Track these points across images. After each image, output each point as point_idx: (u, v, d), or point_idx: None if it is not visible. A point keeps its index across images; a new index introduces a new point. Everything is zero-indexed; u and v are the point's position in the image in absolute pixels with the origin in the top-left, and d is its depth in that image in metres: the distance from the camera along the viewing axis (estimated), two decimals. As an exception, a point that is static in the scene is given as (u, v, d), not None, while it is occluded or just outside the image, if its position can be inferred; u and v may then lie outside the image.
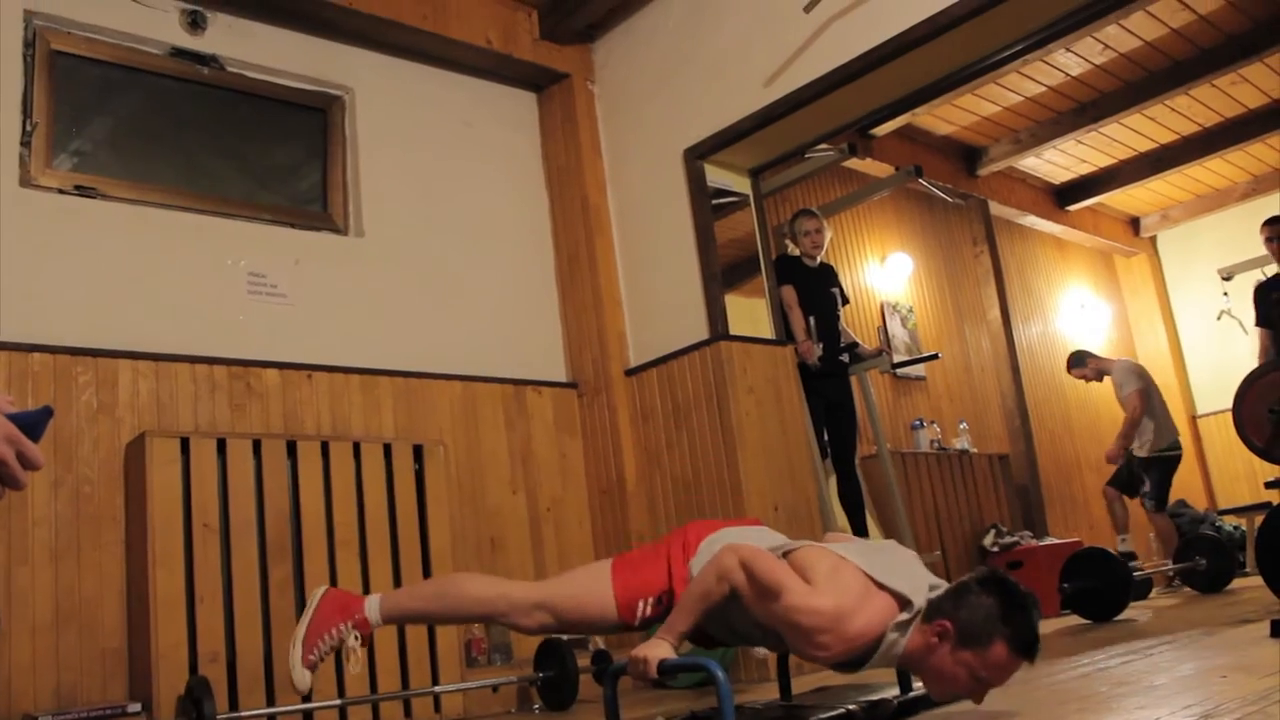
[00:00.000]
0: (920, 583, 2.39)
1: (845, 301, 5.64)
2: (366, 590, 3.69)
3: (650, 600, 2.64)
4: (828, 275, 5.61)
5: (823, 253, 5.60)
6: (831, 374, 5.35)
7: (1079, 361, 7.47)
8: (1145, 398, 6.98)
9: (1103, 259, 10.30)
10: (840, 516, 5.29)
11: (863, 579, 2.37)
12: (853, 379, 5.58)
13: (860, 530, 5.26)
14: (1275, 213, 6.57)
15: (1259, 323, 6.21)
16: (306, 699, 3.44)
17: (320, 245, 4.43)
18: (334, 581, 3.63)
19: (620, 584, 2.65)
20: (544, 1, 5.12)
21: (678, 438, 4.65)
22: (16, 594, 3.27)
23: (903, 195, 7.99)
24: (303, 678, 2.63)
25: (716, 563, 2.44)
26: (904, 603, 2.34)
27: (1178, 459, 7.09)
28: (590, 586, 2.68)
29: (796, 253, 5.59)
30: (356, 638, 2.69)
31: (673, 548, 2.70)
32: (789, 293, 5.21)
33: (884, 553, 2.55)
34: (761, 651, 3.93)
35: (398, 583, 3.79)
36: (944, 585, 2.39)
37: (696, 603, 2.46)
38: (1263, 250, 6.77)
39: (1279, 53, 6.86)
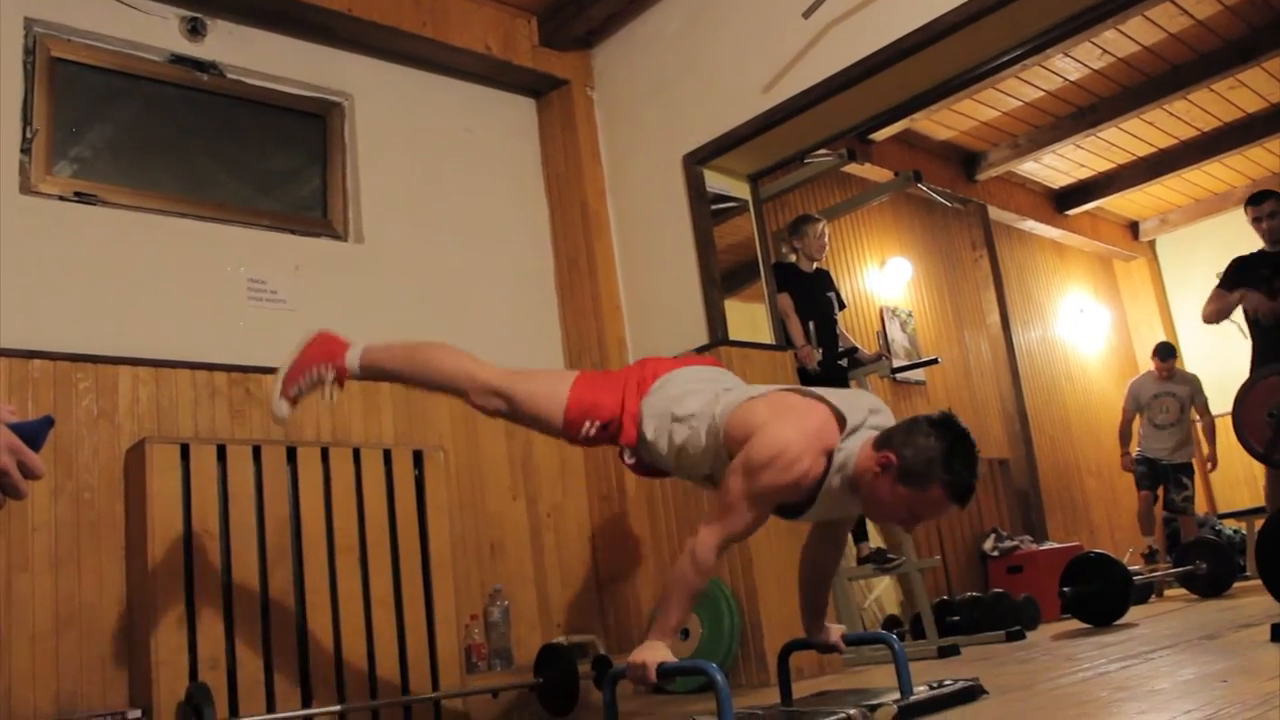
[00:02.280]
0: (860, 405, 2.55)
1: (842, 306, 5.66)
2: (368, 605, 3.69)
3: (597, 424, 2.76)
4: (824, 280, 5.63)
5: (823, 257, 5.63)
6: (831, 379, 5.35)
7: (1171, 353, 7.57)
8: None
9: (1102, 263, 10.31)
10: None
11: (800, 398, 2.55)
12: (852, 384, 5.59)
13: (860, 536, 5.25)
14: (1244, 205, 6.50)
15: (1223, 285, 6.07)
16: (306, 702, 3.44)
17: (320, 251, 4.43)
18: (334, 587, 3.63)
19: (575, 397, 2.77)
20: (543, 8, 5.13)
21: (677, 443, 4.64)
22: (16, 601, 3.26)
23: (902, 200, 8.00)
24: (281, 408, 2.90)
25: (693, 558, 2.51)
26: (841, 419, 2.48)
27: None
28: (549, 390, 2.81)
29: (793, 259, 5.60)
30: (334, 379, 2.92)
31: (629, 381, 2.81)
32: (785, 300, 5.22)
33: (829, 389, 2.69)
34: None
35: (398, 589, 3.79)
36: (885, 409, 2.59)
37: (685, 599, 2.52)
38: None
39: (1277, 57, 6.88)
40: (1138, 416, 7.57)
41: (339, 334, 3.04)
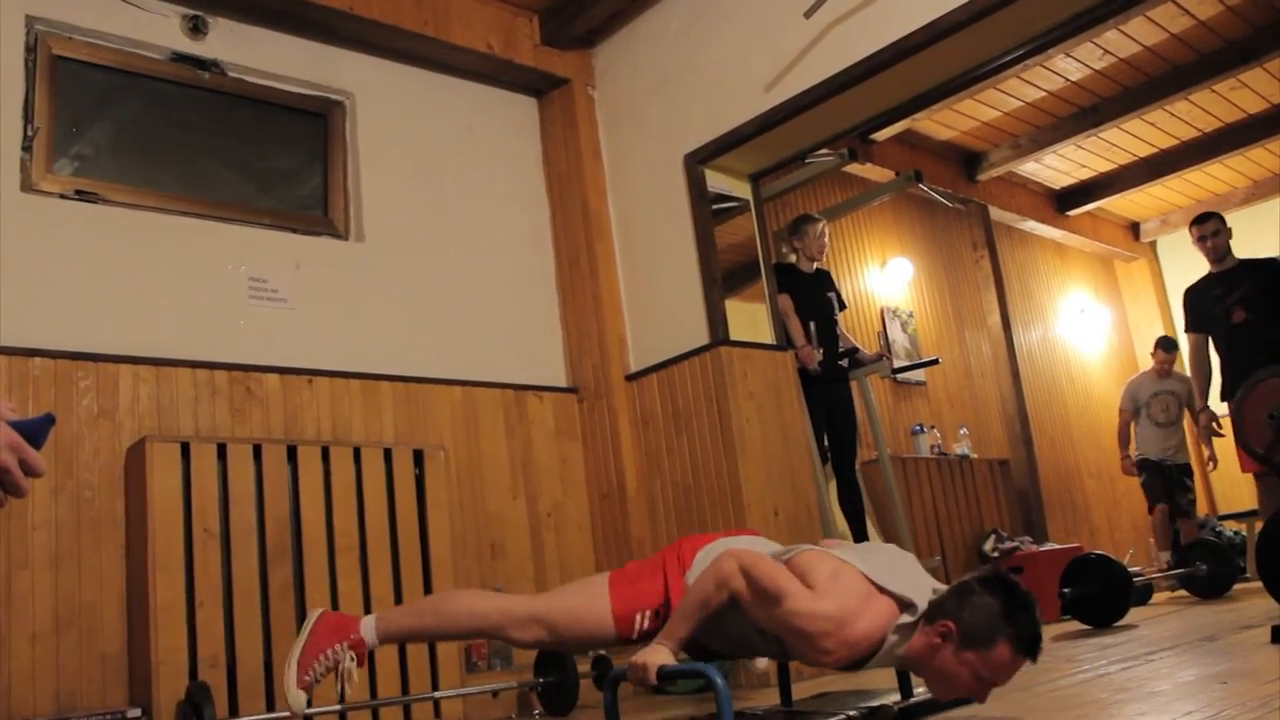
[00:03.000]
0: (922, 585, 2.40)
1: (843, 307, 5.66)
2: (367, 605, 3.69)
3: (648, 613, 2.64)
4: (824, 280, 5.63)
5: (823, 257, 5.63)
6: (832, 379, 5.36)
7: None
8: None
9: (1103, 264, 10.30)
10: (840, 522, 5.29)
11: (863, 581, 2.37)
12: (853, 384, 5.59)
13: (861, 536, 5.26)
14: (1274, 217, 6.59)
15: (1190, 328, 6.23)
16: (305, 701, 3.44)
17: (321, 250, 4.43)
18: (334, 587, 3.64)
19: (618, 598, 2.65)
20: (545, 7, 5.13)
21: (678, 443, 4.65)
22: (16, 599, 3.26)
23: (903, 200, 8.00)
24: (298, 699, 2.63)
25: (716, 569, 2.44)
26: (905, 605, 2.34)
27: None
28: (587, 601, 2.68)
29: (793, 259, 5.60)
30: (353, 658, 2.70)
31: (669, 561, 2.71)
32: (786, 301, 5.22)
33: (883, 554, 2.55)
34: (762, 663, 3.92)
35: (398, 588, 3.79)
36: (943, 587, 2.40)
37: (696, 609, 2.46)
38: (1262, 254, 6.79)
39: (1278, 58, 6.87)
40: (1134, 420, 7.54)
41: (343, 612, 2.90)
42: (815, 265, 5.60)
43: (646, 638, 2.64)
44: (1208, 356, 6.16)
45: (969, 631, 2.24)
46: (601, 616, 2.65)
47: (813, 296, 5.45)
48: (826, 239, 5.65)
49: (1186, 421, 7.36)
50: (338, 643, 2.68)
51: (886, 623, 2.33)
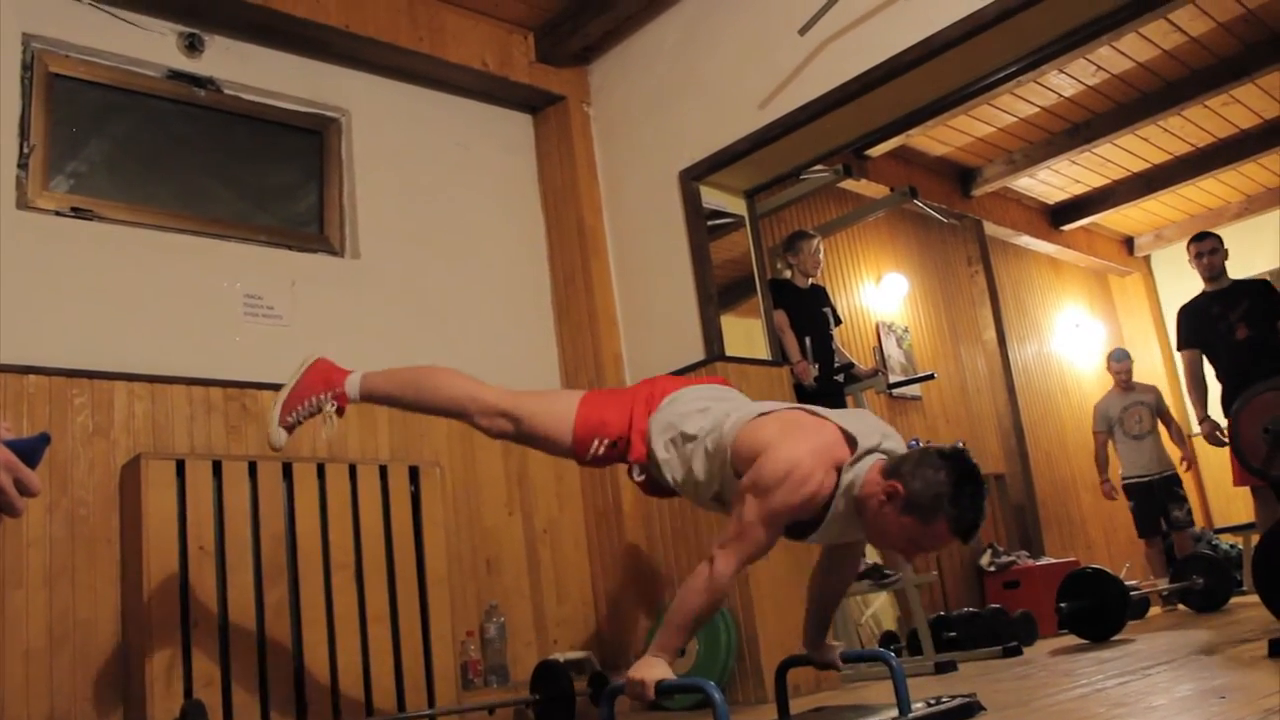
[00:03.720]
0: (872, 429, 2.53)
1: (838, 322, 5.66)
2: (364, 623, 3.68)
3: (605, 441, 2.75)
4: (819, 296, 5.64)
5: (818, 273, 5.64)
6: (828, 394, 5.35)
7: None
8: None
9: (1097, 279, 10.33)
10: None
11: (809, 416, 2.54)
12: (849, 399, 5.59)
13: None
14: (1268, 231, 6.63)
15: (1184, 345, 6.28)
16: (301, 719, 3.43)
17: (317, 267, 4.43)
18: (330, 604, 3.62)
19: (582, 416, 2.75)
20: (540, 24, 5.15)
21: (674, 458, 4.63)
22: (10, 617, 3.25)
23: (898, 216, 8.02)
24: (278, 436, 2.88)
25: (708, 582, 2.47)
26: (851, 440, 2.47)
27: None
28: (555, 410, 2.79)
29: (788, 275, 5.61)
30: (334, 406, 2.90)
31: (638, 398, 2.79)
32: (781, 317, 5.22)
33: (838, 410, 2.67)
34: None
35: (394, 605, 3.78)
36: (896, 435, 2.58)
37: (689, 622, 2.49)
38: (1255, 270, 6.83)
39: (1270, 74, 6.92)
40: (1110, 439, 7.51)
41: (336, 362, 3.02)
42: (811, 281, 5.60)
43: (598, 464, 2.80)
44: (1203, 371, 6.20)
45: (913, 499, 2.36)
46: (562, 430, 2.76)
47: (808, 312, 5.45)
48: (822, 255, 5.66)
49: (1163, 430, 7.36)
50: (323, 391, 2.89)
51: (838, 455, 2.45)
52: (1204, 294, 6.29)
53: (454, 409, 2.87)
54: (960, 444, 7.42)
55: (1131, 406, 7.35)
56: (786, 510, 2.43)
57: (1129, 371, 7.47)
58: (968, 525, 2.38)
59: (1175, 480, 7.24)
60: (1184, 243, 9.84)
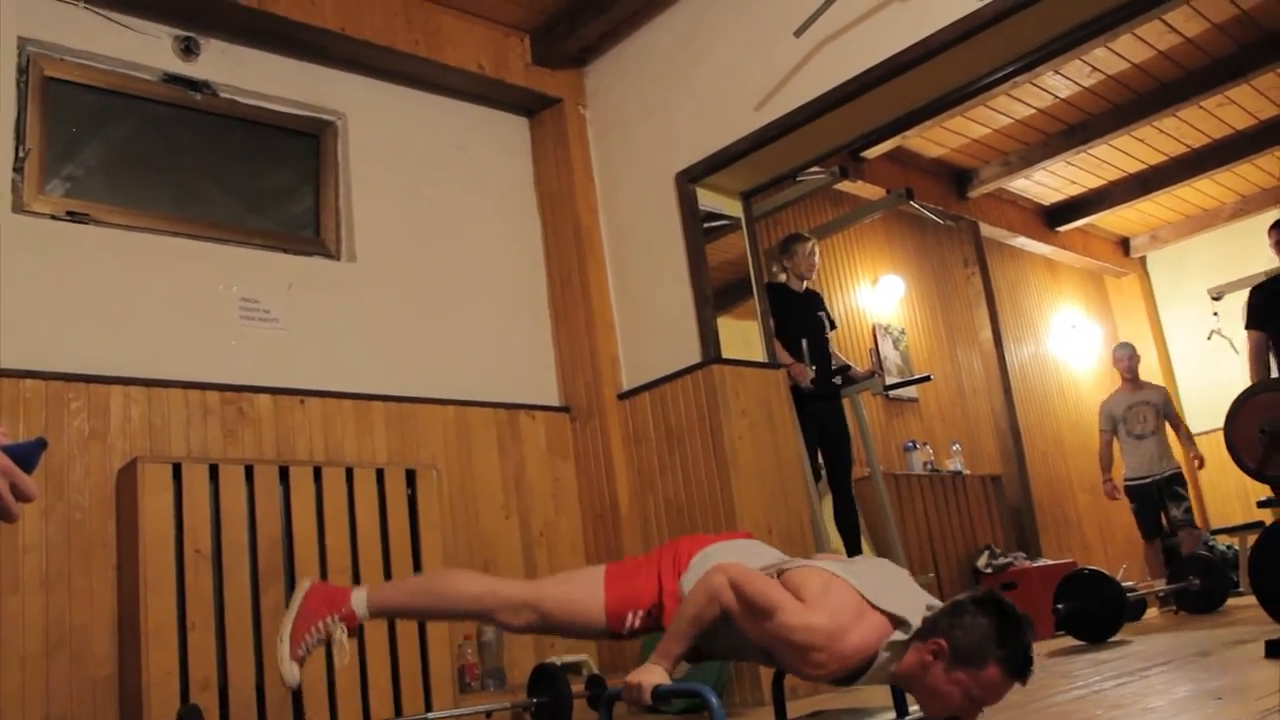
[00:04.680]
0: (916, 602, 2.39)
1: (833, 326, 5.65)
2: (360, 627, 3.66)
3: (640, 613, 2.64)
4: (814, 300, 5.63)
5: (813, 276, 5.64)
6: (825, 396, 5.36)
7: None
8: None
9: (1093, 280, 10.34)
10: (836, 539, 5.28)
11: (856, 597, 2.37)
12: (845, 401, 5.59)
13: (855, 551, 5.25)
14: (1263, 232, 6.61)
15: (1252, 326, 6.17)
16: (297, 705, 3.42)
17: (313, 270, 4.43)
18: (327, 607, 3.61)
19: (612, 594, 2.65)
20: (536, 27, 5.15)
21: (671, 461, 4.64)
22: (6, 622, 3.24)
23: (894, 217, 8.02)
24: (291, 672, 2.63)
25: (706, 584, 2.42)
26: (897, 622, 2.33)
27: None
28: (582, 593, 2.68)
29: (783, 279, 5.60)
30: (344, 631, 2.69)
31: (664, 561, 2.70)
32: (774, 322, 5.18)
33: (877, 571, 2.54)
34: None
35: (391, 608, 3.77)
36: (938, 604, 2.39)
37: (688, 626, 2.45)
38: (1251, 270, 6.81)
39: (1264, 75, 6.93)
40: (1115, 438, 7.51)
41: (333, 583, 2.90)
42: (805, 284, 5.59)
43: (636, 635, 2.65)
44: (1268, 353, 6.13)
45: (960, 650, 2.24)
46: (594, 610, 2.64)
47: (803, 315, 5.45)
48: (816, 258, 5.64)
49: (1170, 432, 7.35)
50: (329, 615, 2.68)
51: (878, 638, 2.32)
52: (1277, 276, 6.17)
53: (475, 609, 2.76)
54: (955, 447, 7.44)
55: (1136, 406, 7.34)
56: (794, 646, 2.33)
57: (1130, 365, 7.44)
58: (1021, 663, 2.24)
59: (1177, 479, 7.21)
60: (1179, 244, 9.95)
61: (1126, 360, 7.46)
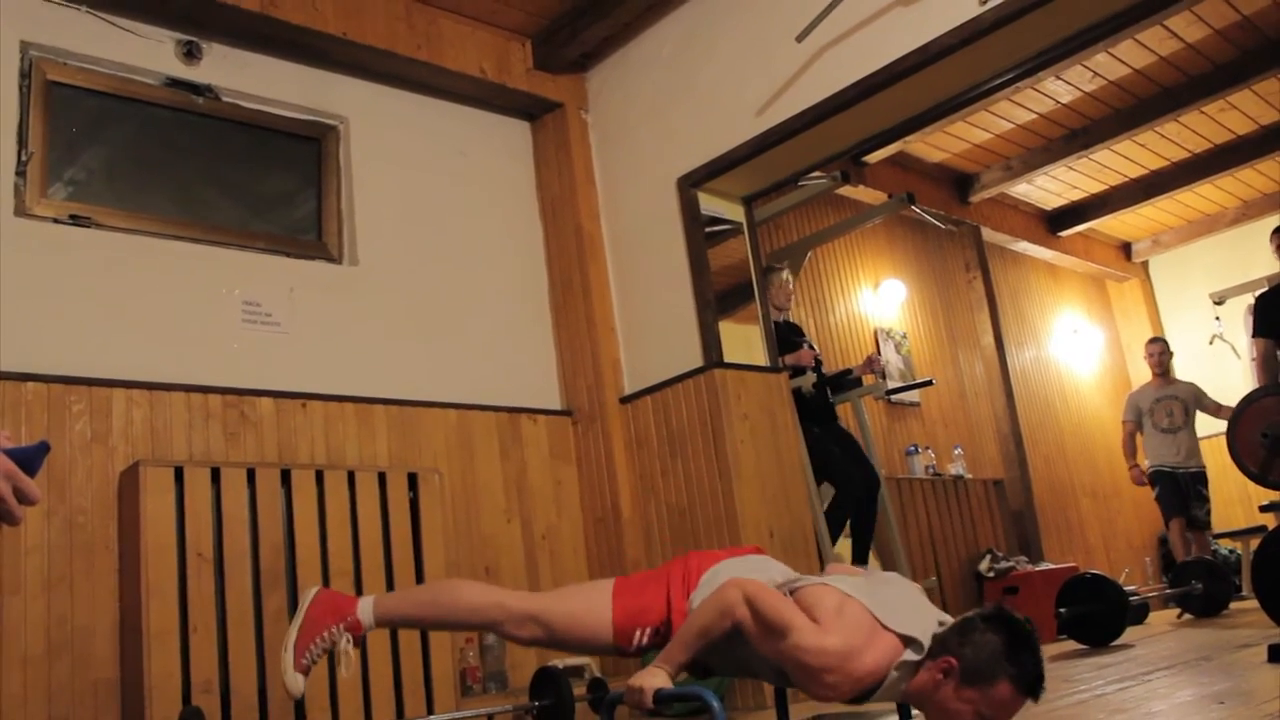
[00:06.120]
0: (927, 621, 2.37)
1: (817, 357, 5.40)
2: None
3: (648, 630, 2.62)
4: (794, 332, 5.44)
5: (789, 306, 5.52)
6: (827, 420, 5.27)
7: None
8: None
9: (1095, 284, 10.34)
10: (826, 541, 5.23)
11: (869, 617, 2.35)
12: (845, 407, 5.57)
13: (862, 557, 5.22)
14: (1265, 237, 6.60)
15: (1259, 334, 6.17)
16: (299, 708, 3.42)
17: (315, 274, 4.43)
18: (328, 611, 3.61)
19: (620, 610, 2.62)
20: (538, 31, 5.16)
21: (672, 465, 4.64)
22: (8, 624, 3.25)
23: (895, 222, 8.03)
24: (295, 682, 2.61)
25: (719, 598, 2.40)
26: (909, 642, 2.32)
27: None
28: (589, 607, 2.65)
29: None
30: (349, 640, 2.66)
31: (673, 578, 2.67)
32: None
33: (889, 588, 2.52)
34: None
35: (392, 612, 3.77)
36: (949, 619, 2.39)
37: (696, 638, 2.43)
38: (1253, 274, 6.81)
39: (1266, 80, 6.93)
40: (1138, 430, 7.51)
41: (339, 591, 2.88)
42: (784, 316, 5.42)
43: (643, 653, 2.62)
44: (1276, 360, 6.13)
45: (970, 669, 2.22)
46: (601, 626, 2.62)
47: (786, 345, 5.19)
48: (792, 286, 5.47)
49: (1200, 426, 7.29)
50: (335, 624, 2.66)
51: (890, 659, 2.31)
52: None
53: (480, 621, 2.74)
54: (957, 451, 7.43)
55: (1163, 400, 7.33)
56: (808, 669, 2.32)
57: (1161, 360, 7.44)
58: (1031, 679, 2.22)
59: (1201, 479, 7.20)
60: (1181, 248, 9.95)
61: (1157, 355, 7.47)
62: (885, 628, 2.33)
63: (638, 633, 2.61)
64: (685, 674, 2.58)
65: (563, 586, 2.92)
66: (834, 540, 5.00)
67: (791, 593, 2.45)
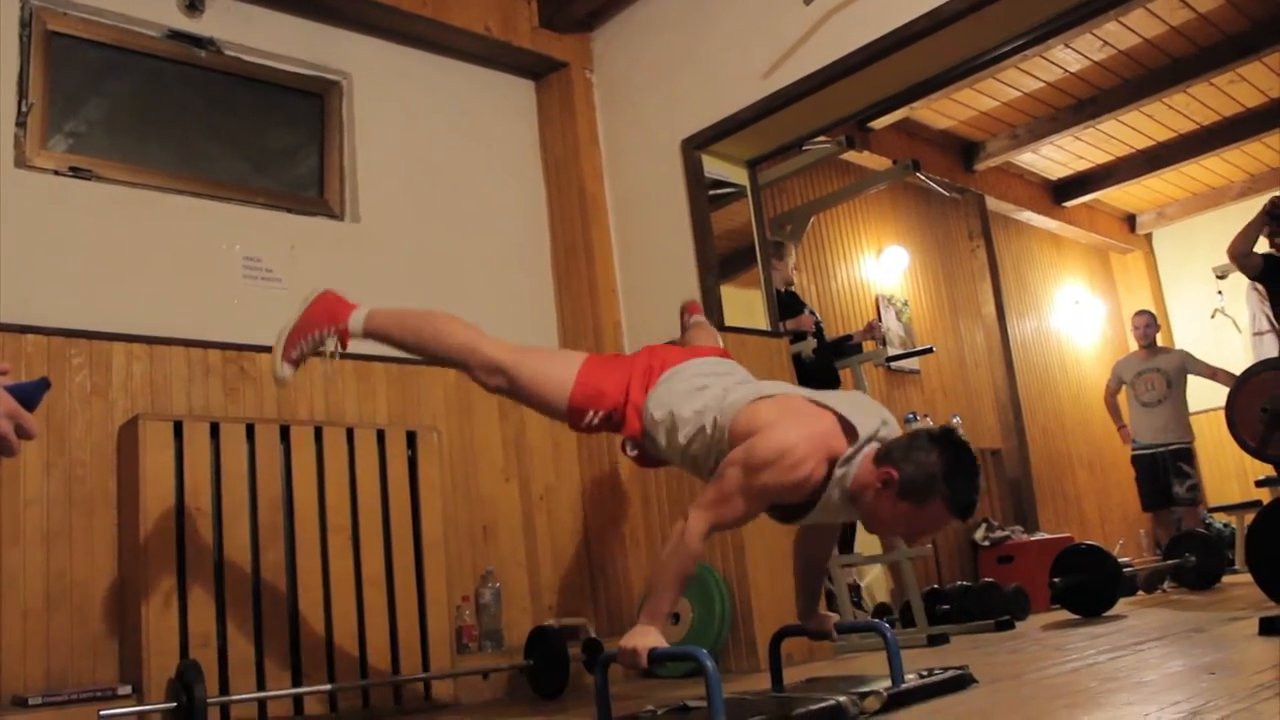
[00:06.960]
0: (870, 415, 2.49)
1: (818, 322, 5.44)
2: (359, 587, 3.68)
3: (600, 414, 2.74)
4: (795, 301, 5.46)
5: (792, 277, 5.52)
6: (826, 383, 5.27)
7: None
8: None
9: (1098, 255, 10.32)
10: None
11: (802, 400, 2.51)
12: (845, 373, 5.57)
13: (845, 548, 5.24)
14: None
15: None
16: (296, 681, 3.45)
17: (316, 230, 4.42)
18: (326, 567, 3.63)
19: (580, 387, 2.73)
20: (543, -11, 5.11)
21: (671, 428, 4.64)
22: (7, 576, 3.26)
23: (900, 189, 8.00)
24: (283, 370, 2.86)
25: (681, 545, 2.48)
26: (849, 430, 2.44)
27: None
28: (553, 375, 2.77)
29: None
30: (336, 344, 2.88)
31: (636, 369, 2.77)
32: None
33: (836, 393, 2.66)
34: None
35: (389, 569, 3.79)
36: (893, 421, 2.53)
37: (673, 583, 2.50)
38: (1257, 249, 6.73)
39: (1277, 52, 6.88)
40: (1123, 395, 7.52)
41: (343, 295, 3.01)
42: (789, 288, 5.43)
43: (592, 431, 2.80)
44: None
45: (908, 484, 2.35)
46: (558, 397, 2.75)
47: (786, 313, 5.25)
48: (793, 259, 5.51)
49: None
50: (328, 325, 2.87)
51: (832, 446, 2.42)
52: None
53: (454, 358, 2.87)
54: (955, 420, 7.44)
55: (1146, 372, 7.32)
56: (771, 490, 2.42)
57: (1146, 332, 7.43)
58: (964, 503, 2.37)
59: (1183, 454, 7.19)
60: (1186, 221, 9.93)
61: (1143, 327, 7.46)
62: (825, 407, 2.48)
63: (590, 413, 2.74)
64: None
65: (540, 347, 3.03)
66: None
67: (734, 415, 2.53)
